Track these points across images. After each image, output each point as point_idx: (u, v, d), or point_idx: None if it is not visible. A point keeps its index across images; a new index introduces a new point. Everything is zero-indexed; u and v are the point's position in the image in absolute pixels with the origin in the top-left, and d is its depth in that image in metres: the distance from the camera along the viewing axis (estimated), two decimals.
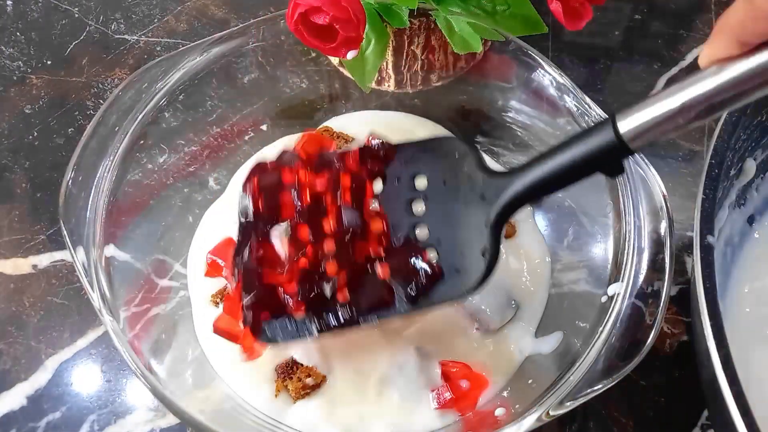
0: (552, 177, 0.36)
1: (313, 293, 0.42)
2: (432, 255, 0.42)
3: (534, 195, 0.38)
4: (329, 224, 0.44)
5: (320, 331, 0.43)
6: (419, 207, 0.43)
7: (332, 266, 0.43)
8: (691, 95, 0.31)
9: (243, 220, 0.46)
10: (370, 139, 0.45)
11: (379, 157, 0.44)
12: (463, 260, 0.41)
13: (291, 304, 0.43)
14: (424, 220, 0.43)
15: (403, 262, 0.42)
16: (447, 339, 0.50)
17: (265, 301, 0.43)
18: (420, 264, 0.42)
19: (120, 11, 0.73)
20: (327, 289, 0.42)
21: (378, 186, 0.44)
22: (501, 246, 0.39)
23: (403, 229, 0.43)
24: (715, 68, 0.30)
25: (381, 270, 0.42)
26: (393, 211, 0.43)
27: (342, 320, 0.42)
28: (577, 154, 0.35)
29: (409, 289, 0.41)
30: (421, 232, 0.43)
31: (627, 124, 0.33)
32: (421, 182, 0.43)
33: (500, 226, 0.39)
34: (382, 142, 0.45)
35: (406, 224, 0.43)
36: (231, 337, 0.50)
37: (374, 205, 0.43)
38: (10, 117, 0.66)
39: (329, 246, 0.43)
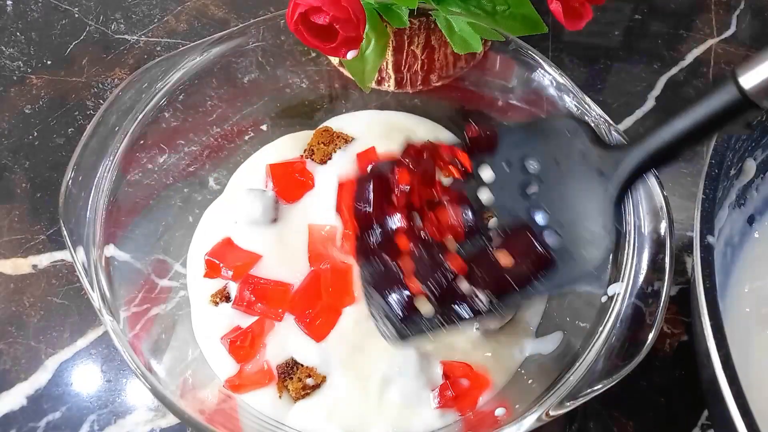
0: (674, 143, 0.35)
1: (440, 288, 0.41)
2: (552, 238, 0.40)
3: (655, 163, 0.37)
4: (446, 219, 0.43)
5: (447, 323, 0.41)
6: (533, 190, 0.41)
7: (455, 260, 0.41)
8: None
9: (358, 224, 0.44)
10: (471, 128, 0.44)
11: (484, 147, 0.43)
12: (584, 239, 0.39)
13: (422, 300, 0.41)
14: (540, 204, 0.41)
15: (524, 247, 0.40)
16: (447, 339, 0.50)
17: (396, 301, 0.42)
18: (541, 248, 0.40)
19: (120, 11, 0.73)
20: (452, 284, 0.41)
21: (488, 173, 0.43)
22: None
23: (521, 215, 0.41)
24: None
25: (503, 259, 0.40)
26: (507, 198, 0.42)
27: (470, 313, 0.40)
28: (699, 117, 0.33)
29: (534, 273, 0.40)
30: (539, 216, 0.41)
31: (750, 78, 0.31)
32: (532, 165, 0.42)
33: (622, 198, 0.38)
34: (485, 129, 0.43)
35: (522, 210, 0.41)
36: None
37: (487, 196, 0.42)
38: (10, 117, 0.66)
39: (449, 241, 0.42)
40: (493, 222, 0.42)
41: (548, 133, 0.42)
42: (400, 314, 0.41)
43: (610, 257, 0.39)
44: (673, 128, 0.35)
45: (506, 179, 0.42)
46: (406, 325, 0.41)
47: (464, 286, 0.41)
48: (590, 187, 0.39)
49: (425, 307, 0.41)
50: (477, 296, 0.40)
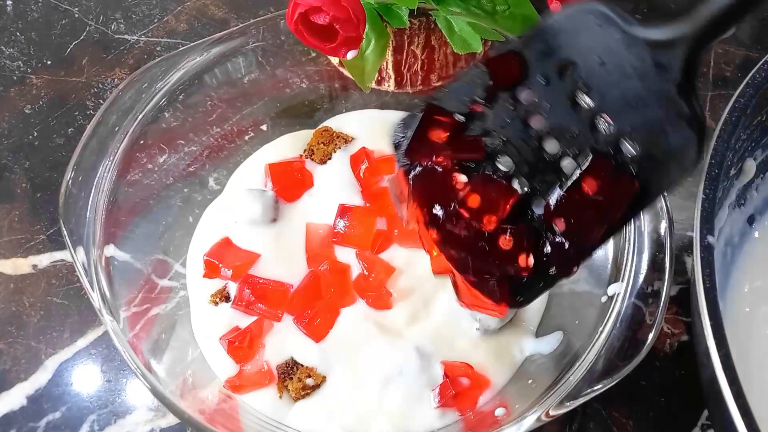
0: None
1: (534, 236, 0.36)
2: (630, 148, 0.34)
3: (717, 29, 0.31)
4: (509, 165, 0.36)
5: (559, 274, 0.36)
6: (586, 101, 0.35)
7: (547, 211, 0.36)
8: None
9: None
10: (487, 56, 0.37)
11: (510, 73, 0.35)
12: (666, 138, 0.33)
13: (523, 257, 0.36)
14: (599, 113, 0.34)
15: (608, 171, 0.34)
16: (447, 339, 0.50)
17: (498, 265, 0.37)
18: (621, 159, 0.34)
19: (120, 11, 0.73)
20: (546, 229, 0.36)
21: (526, 95, 0.36)
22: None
23: (582, 133, 0.35)
24: None
25: (588, 186, 0.35)
26: (560, 116, 0.35)
27: (572, 250, 0.35)
28: None
29: (627, 195, 0.34)
30: (605, 126, 0.34)
31: None
32: (574, 72, 0.35)
33: (693, 80, 0.32)
34: (502, 53, 0.36)
35: (581, 124, 0.35)
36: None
37: (538, 124, 0.35)
38: (10, 117, 0.66)
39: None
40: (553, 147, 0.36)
41: (577, 31, 0.35)
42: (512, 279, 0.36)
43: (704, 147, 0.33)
44: None
45: (550, 96, 0.35)
46: (519, 289, 0.37)
47: (560, 225, 0.35)
48: (650, 77, 0.33)
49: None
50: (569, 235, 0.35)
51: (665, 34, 0.32)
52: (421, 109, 0.37)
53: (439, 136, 0.37)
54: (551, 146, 0.36)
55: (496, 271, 0.37)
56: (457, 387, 0.48)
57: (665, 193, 0.45)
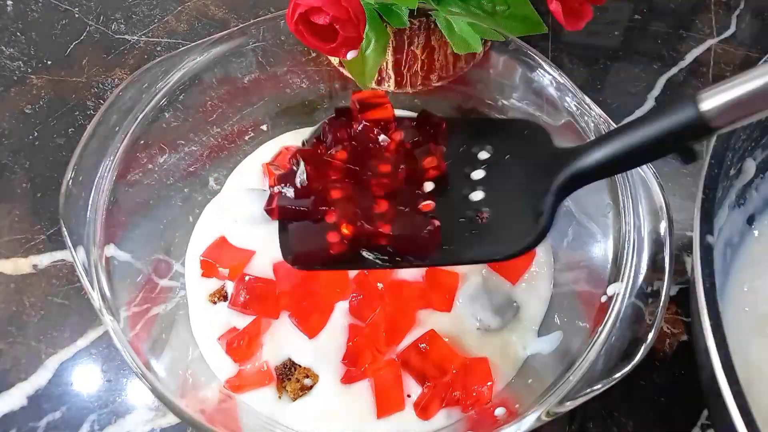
0: (624, 154, 0.35)
1: (358, 224, 0.40)
2: (483, 212, 0.40)
3: (602, 171, 0.37)
4: (384, 168, 0.42)
5: (354, 264, 0.40)
6: (478, 174, 0.42)
7: (382, 204, 0.41)
8: None
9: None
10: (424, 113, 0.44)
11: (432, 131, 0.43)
12: (514, 224, 0.39)
13: (334, 232, 0.40)
14: (481, 185, 0.41)
15: (452, 210, 0.41)
16: (448, 338, 0.50)
17: (306, 229, 0.41)
18: (469, 215, 0.40)
19: (120, 11, 0.73)
20: (372, 223, 0.40)
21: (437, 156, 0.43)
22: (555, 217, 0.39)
23: (459, 189, 0.41)
24: None
25: (425, 208, 0.41)
26: (452, 173, 0.42)
27: (381, 258, 0.40)
28: (653, 131, 0.34)
29: (454, 237, 0.40)
30: (476, 194, 0.41)
31: (710, 102, 0.32)
32: (484, 154, 0.42)
33: (561, 196, 0.38)
34: (441, 118, 0.44)
35: (462, 185, 0.42)
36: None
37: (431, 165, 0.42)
38: (10, 117, 0.66)
39: (381, 187, 0.42)
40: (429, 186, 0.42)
41: (506, 130, 0.44)
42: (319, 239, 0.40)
43: (537, 244, 0.39)
44: (625, 140, 0.35)
45: (455, 159, 0.42)
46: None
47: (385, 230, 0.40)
48: (534, 181, 0.39)
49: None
50: (391, 243, 0.40)
51: (560, 161, 0.38)
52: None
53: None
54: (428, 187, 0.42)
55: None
56: (459, 386, 0.48)
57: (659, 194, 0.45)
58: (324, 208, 0.40)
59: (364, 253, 0.40)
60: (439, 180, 0.42)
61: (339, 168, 0.42)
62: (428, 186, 0.42)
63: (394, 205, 0.41)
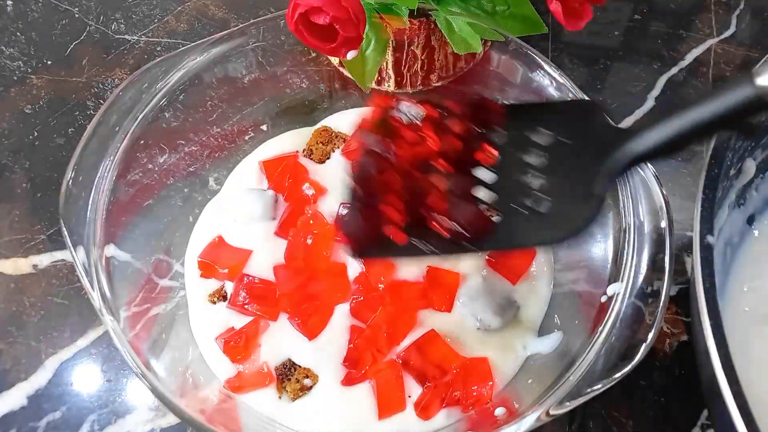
0: (681, 134, 0.36)
1: (415, 213, 0.41)
2: (538, 196, 0.40)
3: (658, 153, 0.37)
4: (441, 162, 0.42)
5: (411, 252, 0.41)
6: (535, 159, 0.41)
7: (437, 194, 0.41)
8: None
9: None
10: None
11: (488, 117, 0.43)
12: (568, 208, 0.40)
13: (392, 222, 0.41)
14: (537, 170, 0.41)
15: (509, 196, 0.41)
16: (449, 338, 0.50)
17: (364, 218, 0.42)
18: (524, 201, 0.40)
19: (120, 11, 0.73)
20: (428, 212, 0.40)
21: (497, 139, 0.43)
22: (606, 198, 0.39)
23: (515, 175, 0.41)
24: None
25: (485, 196, 0.41)
26: (509, 158, 0.42)
27: (434, 245, 0.40)
28: (710, 111, 0.34)
29: (509, 223, 0.40)
30: (532, 179, 0.41)
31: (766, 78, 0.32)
32: (540, 138, 0.42)
33: (616, 177, 0.39)
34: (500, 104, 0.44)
35: (519, 171, 0.41)
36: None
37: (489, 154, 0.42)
38: (11, 117, 0.66)
39: (438, 179, 0.42)
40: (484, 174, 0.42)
41: (563, 112, 0.43)
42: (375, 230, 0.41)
43: (589, 225, 0.39)
44: (683, 120, 0.35)
45: (511, 145, 0.42)
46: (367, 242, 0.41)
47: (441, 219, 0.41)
48: (589, 163, 0.39)
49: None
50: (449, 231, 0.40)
51: (621, 142, 0.38)
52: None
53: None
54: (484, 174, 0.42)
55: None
56: (460, 385, 0.48)
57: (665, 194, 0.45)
58: (383, 198, 0.41)
59: (416, 241, 0.40)
60: (496, 166, 0.42)
61: (398, 160, 0.42)
62: (485, 173, 0.42)
63: (450, 194, 0.41)
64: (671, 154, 0.38)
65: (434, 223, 0.40)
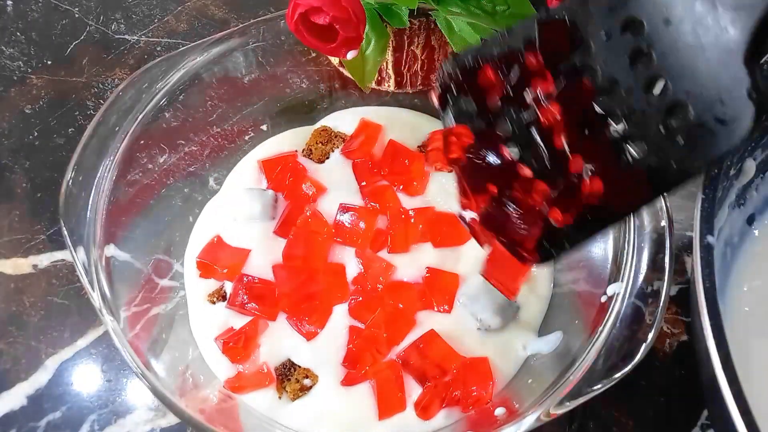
0: None
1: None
2: (680, 114, 0.32)
3: None
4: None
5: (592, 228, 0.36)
6: (645, 60, 0.33)
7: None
8: None
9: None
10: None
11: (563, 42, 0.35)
12: (720, 107, 0.32)
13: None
14: (658, 73, 0.33)
15: (647, 122, 0.33)
16: (449, 338, 0.50)
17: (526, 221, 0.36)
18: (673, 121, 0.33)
19: (120, 11, 0.73)
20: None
21: (580, 58, 0.35)
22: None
23: (633, 90, 0.33)
24: None
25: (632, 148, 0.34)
26: (615, 73, 0.34)
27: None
28: None
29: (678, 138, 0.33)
30: (659, 87, 0.33)
31: None
32: (639, 30, 0.33)
33: (762, 48, 0.30)
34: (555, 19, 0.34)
35: (637, 84, 0.33)
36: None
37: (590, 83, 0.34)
38: (11, 117, 0.66)
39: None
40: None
41: None
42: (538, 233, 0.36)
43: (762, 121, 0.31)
44: None
45: (609, 53, 0.34)
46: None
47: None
48: (716, 41, 0.31)
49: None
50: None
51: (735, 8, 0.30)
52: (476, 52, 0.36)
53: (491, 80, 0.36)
54: (603, 104, 0.34)
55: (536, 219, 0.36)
56: (460, 385, 0.48)
57: (665, 195, 0.45)
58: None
59: None
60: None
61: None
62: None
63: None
64: None
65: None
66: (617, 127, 0.34)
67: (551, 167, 0.36)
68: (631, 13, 0.33)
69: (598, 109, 0.34)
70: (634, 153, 0.34)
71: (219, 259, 0.54)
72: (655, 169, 0.33)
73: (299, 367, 0.50)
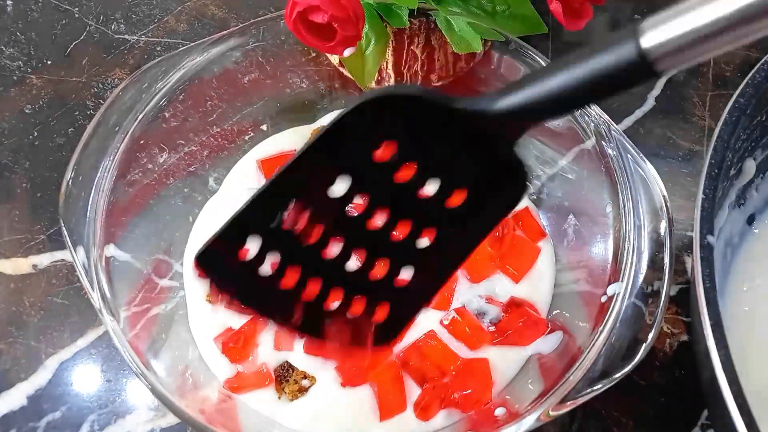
0: (554, 97, 0.30)
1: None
2: (456, 197, 0.33)
3: (532, 114, 0.31)
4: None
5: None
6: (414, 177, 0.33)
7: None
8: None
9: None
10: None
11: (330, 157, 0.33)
12: (491, 185, 0.33)
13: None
14: (427, 179, 0.33)
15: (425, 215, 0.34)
16: (449, 339, 0.50)
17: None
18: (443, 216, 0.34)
19: (120, 11, 0.73)
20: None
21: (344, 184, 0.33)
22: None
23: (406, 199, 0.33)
24: None
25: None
26: (382, 194, 0.34)
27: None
28: (586, 73, 0.29)
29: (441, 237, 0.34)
30: (431, 187, 0.33)
31: (654, 37, 0.26)
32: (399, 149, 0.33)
33: (518, 137, 0.32)
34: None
35: (408, 194, 0.33)
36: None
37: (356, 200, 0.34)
38: (10, 117, 0.66)
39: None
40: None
41: (397, 114, 0.32)
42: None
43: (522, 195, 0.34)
44: (555, 80, 0.30)
45: (378, 166, 0.33)
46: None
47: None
48: (476, 151, 0.32)
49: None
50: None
51: (494, 110, 0.31)
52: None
53: None
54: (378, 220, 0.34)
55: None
56: (459, 385, 0.48)
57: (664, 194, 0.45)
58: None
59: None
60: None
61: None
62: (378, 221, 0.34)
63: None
64: (549, 114, 0.32)
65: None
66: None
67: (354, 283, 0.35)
68: (389, 135, 0.32)
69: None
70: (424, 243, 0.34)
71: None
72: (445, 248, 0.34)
73: (297, 369, 0.50)
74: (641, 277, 0.44)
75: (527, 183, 0.33)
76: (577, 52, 0.30)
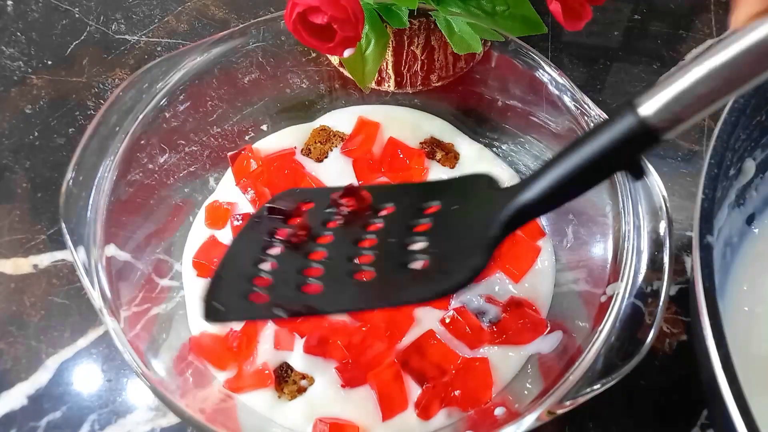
0: (566, 181, 0.32)
1: (287, 282, 0.39)
2: (421, 260, 0.38)
3: (547, 203, 0.34)
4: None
5: (280, 315, 0.39)
6: (422, 225, 0.39)
7: (318, 254, 0.40)
8: (726, 58, 0.26)
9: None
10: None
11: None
12: (455, 263, 0.37)
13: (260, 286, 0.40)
14: (423, 234, 0.39)
15: (391, 260, 0.38)
16: (448, 338, 0.50)
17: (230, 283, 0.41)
18: (406, 260, 0.38)
19: (120, 11, 0.73)
20: (301, 279, 0.39)
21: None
22: (490, 260, 0.36)
23: (400, 239, 0.39)
24: (751, 25, 0.26)
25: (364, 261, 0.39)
26: (395, 228, 0.40)
27: (309, 309, 0.39)
28: (593, 151, 0.30)
29: (389, 284, 0.38)
30: (419, 243, 0.39)
31: (651, 105, 0.28)
32: (429, 207, 0.40)
33: (498, 239, 0.35)
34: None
35: (404, 237, 0.39)
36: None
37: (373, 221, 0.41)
38: (11, 117, 0.66)
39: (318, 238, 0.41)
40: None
41: (454, 186, 0.42)
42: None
43: (465, 285, 0.37)
44: (566, 165, 0.32)
45: (399, 214, 0.41)
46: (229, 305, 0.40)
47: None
48: (478, 222, 0.37)
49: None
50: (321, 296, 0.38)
51: (502, 202, 0.35)
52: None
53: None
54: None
55: None
56: (459, 385, 0.48)
57: (666, 195, 0.45)
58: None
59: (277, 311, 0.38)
60: (380, 234, 0.40)
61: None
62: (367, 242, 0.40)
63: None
64: (562, 201, 0.34)
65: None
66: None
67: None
68: (432, 200, 0.40)
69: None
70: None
71: (215, 258, 0.54)
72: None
73: (295, 370, 0.50)
74: (641, 277, 0.44)
75: (477, 272, 0.36)
76: (578, 140, 0.32)
